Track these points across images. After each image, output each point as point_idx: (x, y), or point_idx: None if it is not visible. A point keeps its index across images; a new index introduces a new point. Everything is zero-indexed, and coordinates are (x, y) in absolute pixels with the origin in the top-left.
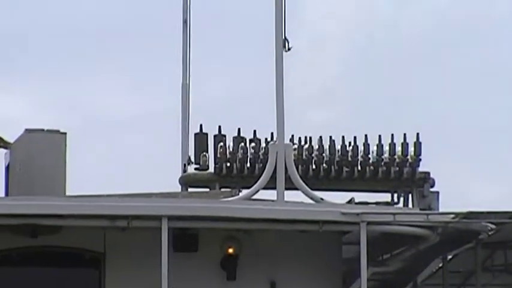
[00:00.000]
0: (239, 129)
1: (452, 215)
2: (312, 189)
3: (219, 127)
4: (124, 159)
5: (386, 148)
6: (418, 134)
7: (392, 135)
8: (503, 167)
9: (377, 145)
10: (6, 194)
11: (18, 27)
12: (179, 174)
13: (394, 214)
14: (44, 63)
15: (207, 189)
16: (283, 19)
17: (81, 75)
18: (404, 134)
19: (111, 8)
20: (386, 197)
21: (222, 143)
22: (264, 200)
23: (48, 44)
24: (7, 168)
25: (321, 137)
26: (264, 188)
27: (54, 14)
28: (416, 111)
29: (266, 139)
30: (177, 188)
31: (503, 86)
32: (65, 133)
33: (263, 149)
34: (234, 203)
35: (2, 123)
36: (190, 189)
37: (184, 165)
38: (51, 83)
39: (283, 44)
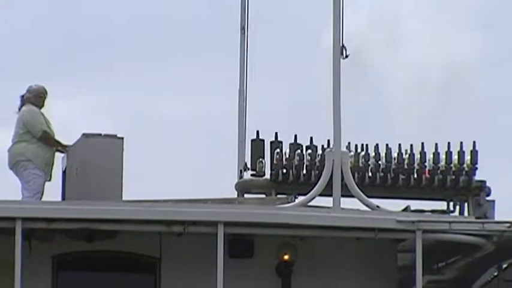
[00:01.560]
0: (295, 136)
1: (508, 224)
2: (368, 196)
3: (276, 134)
4: (180, 165)
5: (442, 156)
6: (474, 142)
7: (448, 143)
8: None
9: (433, 153)
10: (63, 197)
11: (79, 30)
12: (235, 180)
13: (449, 222)
14: (102, 67)
15: (263, 196)
16: (340, 26)
17: (139, 80)
18: (461, 143)
19: (171, 12)
20: (442, 205)
21: (278, 150)
22: (320, 206)
23: (107, 48)
24: (64, 172)
25: (377, 144)
26: (320, 195)
27: (114, 17)
28: (473, 118)
29: (323, 146)
30: (233, 194)
31: None
32: (122, 138)
33: (319, 156)
34: (290, 210)
35: (60, 127)
36: (246, 195)
37: (241, 171)
38: (111, 87)
39: (340, 51)
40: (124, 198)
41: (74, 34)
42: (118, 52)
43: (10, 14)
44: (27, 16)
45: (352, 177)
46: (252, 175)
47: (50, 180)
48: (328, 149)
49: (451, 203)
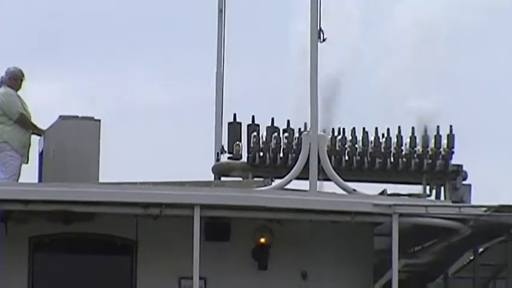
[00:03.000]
0: (272, 119)
1: (484, 208)
2: (344, 180)
3: (253, 117)
4: (157, 148)
5: (419, 140)
6: (451, 126)
7: (425, 127)
8: None
9: (410, 137)
10: (40, 179)
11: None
12: (212, 163)
13: (426, 206)
14: (79, 53)
15: (240, 179)
16: (318, 10)
17: (114, 65)
18: (438, 127)
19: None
20: (418, 189)
21: (255, 133)
22: (297, 190)
23: (83, 33)
24: (41, 154)
25: (354, 128)
26: (297, 178)
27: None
28: (450, 102)
29: (299, 129)
30: (210, 177)
31: None
32: (99, 120)
33: (296, 139)
34: (266, 193)
35: (36, 111)
36: (223, 178)
37: (218, 154)
38: (86, 72)
39: (318, 34)
40: (101, 180)
41: (55, 19)
42: (96, 38)
43: None
44: None
45: (328, 161)
46: (229, 158)
47: (26, 162)
48: (305, 132)
49: (428, 187)
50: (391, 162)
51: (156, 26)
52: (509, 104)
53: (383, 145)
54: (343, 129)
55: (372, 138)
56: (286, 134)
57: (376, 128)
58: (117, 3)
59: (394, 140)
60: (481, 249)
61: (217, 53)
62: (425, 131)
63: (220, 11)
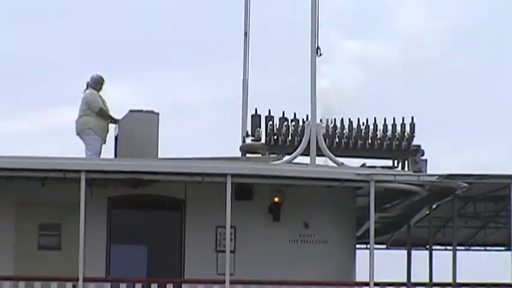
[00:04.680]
0: (283, 112)
1: (437, 176)
2: (335, 156)
3: (269, 110)
4: (200, 133)
5: (389, 127)
6: (412, 117)
7: (394, 118)
8: (471, 144)
9: (383, 125)
10: (115, 156)
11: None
12: (239, 144)
13: (394, 175)
14: (144, 64)
15: (260, 155)
16: (316, 31)
17: (169, 73)
18: (403, 118)
19: (184, 20)
20: (389, 162)
21: (271, 122)
22: (301, 163)
23: (144, 51)
24: (116, 137)
25: (342, 118)
26: (301, 155)
27: (152, 28)
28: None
29: (303, 119)
30: (238, 154)
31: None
32: (158, 113)
33: (301, 127)
34: (279, 165)
35: (112, 106)
36: (247, 155)
37: (243, 137)
38: (149, 78)
39: (316, 51)
40: (159, 156)
41: (124, 41)
42: (154, 53)
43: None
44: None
45: (324, 142)
46: (252, 140)
47: (105, 143)
48: (307, 122)
49: (396, 161)
50: (369, 144)
51: (200, 44)
52: (455, 97)
53: (363, 131)
54: (334, 119)
55: (355, 125)
56: (293, 123)
57: (358, 119)
58: (169, 29)
59: (371, 127)
60: (434, 206)
61: (243, 64)
62: (394, 120)
63: (245, 34)
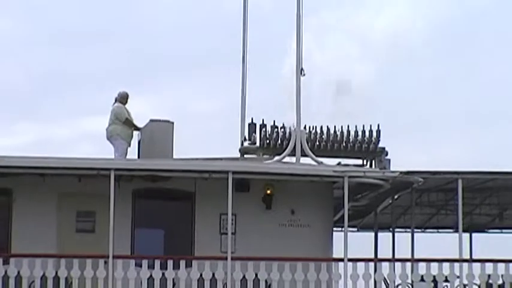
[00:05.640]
0: (274, 121)
1: (398, 173)
2: (316, 156)
3: (263, 120)
4: (206, 138)
5: (360, 133)
6: (378, 124)
7: (363, 125)
8: (427, 145)
9: (355, 131)
10: (138, 157)
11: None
12: (239, 147)
13: (364, 172)
14: (158, 79)
15: (255, 156)
16: (300, 55)
17: (179, 87)
18: (370, 125)
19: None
20: (359, 162)
21: (264, 129)
22: (288, 162)
23: (157, 70)
24: (139, 142)
25: (322, 125)
26: (288, 156)
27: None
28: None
29: (290, 127)
30: (237, 155)
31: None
32: (173, 122)
33: (288, 133)
34: (271, 164)
35: (135, 116)
36: (245, 156)
37: (242, 142)
38: (166, 91)
39: (300, 72)
40: (174, 157)
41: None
42: (169, 74)
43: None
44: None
45: (306, 145)
46: (248, 144)
47: (130, 146)
48: (293, 129)
49: (365, 161)
50: (344, 146)
51: (200, 61)
52: (417, 104)
53: (339, 136)
54: (315, 126)
55: (332, 132)
56: (282, 130)
57: (335, 126)
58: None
59: (345, 133)
60: (396, 197)
61: (242, 80)
62: (363, 127)
63: (243, 58)
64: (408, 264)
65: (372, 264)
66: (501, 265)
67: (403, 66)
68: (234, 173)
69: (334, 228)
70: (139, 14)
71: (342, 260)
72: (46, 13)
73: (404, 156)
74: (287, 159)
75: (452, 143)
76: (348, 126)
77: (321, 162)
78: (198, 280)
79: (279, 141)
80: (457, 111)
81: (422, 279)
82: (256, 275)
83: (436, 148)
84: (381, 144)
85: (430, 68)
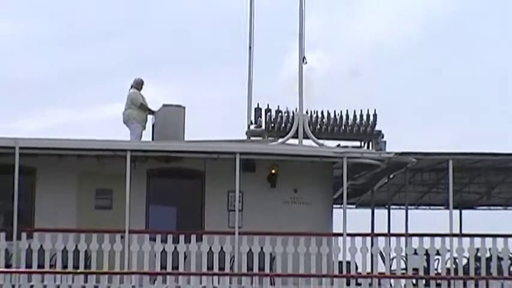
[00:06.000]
0: (278, 106)
1: (393, 154)
2: (317, 138)
3: (268, 105)
4: (216, 121)
5: (358, 117)
6: (375, 109)
7: (361, 110)
8: (421, 128)
9: (353, 115)
10: (152, 139)
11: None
12: (245, 130)
13: (362, 153)
14: (169, 69)
15: (261, 138)
16: (303, 43)
17: (195, 77)
18: (368, 109)
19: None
20: (357, 143)
21: (269, 113)
22: (292, 144)
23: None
24: (153, 125)
25: (322, 111)
26: (292, 138)
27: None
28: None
29: (293, 111)
30: (244, 137)
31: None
32: (184, 107)
33: (291, 117)
34: (275, 146)
35: (150, 101)
36: (251, 138)
37: (248, 125)
38: (176, 80)
39: (303, 59)
40: (185, 139)
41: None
42: (183, 62)
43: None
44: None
45: (308, 128)
46: (254, 127)
47: (145, 129)
48: (296, 113)
49: (362, 142)
50: (343, 130)
51: (212, 53)
52: (410, 89)
53: (338, 120)
54: (316, 111)
55: (332, 116)
56: (286, 114)
57: (335, 110)
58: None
59: (344, 117)
60: (391, 176)
61: (249, 69)
62: (361, 111)
63: (250, 48)
64: (402, 238)
65: (369, 238)
66: (488, 239)
67: (402, 59)
68: (241, 154)
69: (334, 205)
70: (158, 13)
71: (341, 234)
72: (72, 14)
73: (399, 138)
74: (290, 141)
75: (444, 128)
76: (347, 111)
77: (322, 144)
78: (207, 253)
79: (283, 124)
80: (449, 100)
81: (415, 253)
82: (261, 248)
83: (428, 131)
84: (377, 128)
85: (423, 63)
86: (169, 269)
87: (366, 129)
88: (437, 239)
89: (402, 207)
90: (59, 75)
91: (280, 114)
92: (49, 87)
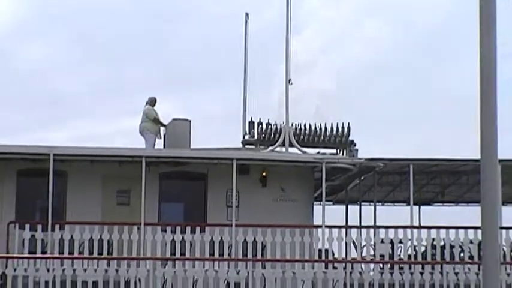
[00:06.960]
0: (268, 119)
1: (363, 159)
2: (301, 146)
3: (259, 118)
4: (216, 132)
5: (334, 129)
6: (349, 123)
7: (337, 123)
8: (389, 138)
9: (331, 127)
10: (164, 147)
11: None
12: (241, 139)
13: (338, 158)
14: (180, 85)
15: (254, 147)
16: (289, 66)
17: (196, 95)
18: (343, 123)
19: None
20: (334, 151)
21: (261, 126)
22: (279, 151)
23: (181, 78)
24: (164, 136)
25: (305, 123)
26: (279, 146)
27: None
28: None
29: (280, 124)
30: (240, 145)
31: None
32: (190, 120)
33: (279, 129)
34: (266, 153)
35: (163, 116)
36: (246, 146)
37: (244, 136)
38: (182, 96)
39: (288, 81)
40: (191, 147)
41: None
42: (187, 82)
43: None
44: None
45: (293, 138)
46: (249, 137)
47: (160, 138)
48: (283, 125)
49: (338, 150)
50: (322, 139)
51: (217, 74)
52: (380, 100)
53: (318, 132)
54: (300, 123)
55: (313, 128)
56: (275, 126)
57: (315, 123)
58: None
59: (323, 129)
60: (362, 178)
61: (244, 85)
62: (337, 124)
63: (244, 70)
64: (371, 230)
65: (343, 230)
66: (443, 231)
67: (375, 76)
68: (237, 159)
69: (314, 202)
70: (167, 34)
71: (320, 226)
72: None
73: (366, 147)
74: (278, 149)
75: (407, 136)
76: (325, 124)
77: (305, 152)
78: (209, 242)
79: (272, 135)
80: (412, 113)
81: (382, 241)
82: (254, 238)
83: (393, 140)
84: (350, 138)
85: (391, 79)
86: (177, 255)
87: (341, 139)
88: (401, 230)
89: (371, 204)
90: (83, 89)
91: (270, 126)
92: (73, 99)
